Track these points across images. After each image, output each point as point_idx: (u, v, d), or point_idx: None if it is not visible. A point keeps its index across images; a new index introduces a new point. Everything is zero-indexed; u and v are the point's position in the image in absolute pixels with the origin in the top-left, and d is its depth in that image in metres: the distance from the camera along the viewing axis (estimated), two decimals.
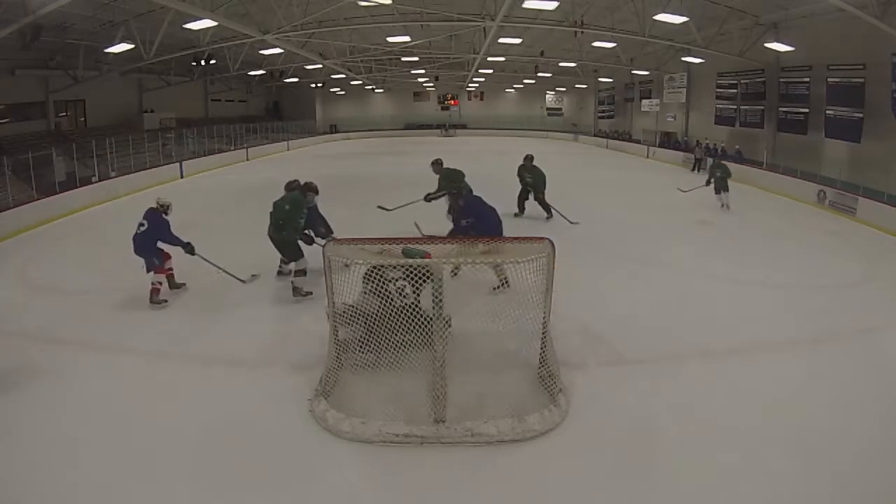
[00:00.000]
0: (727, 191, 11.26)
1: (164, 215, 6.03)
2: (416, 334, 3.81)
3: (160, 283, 5.97)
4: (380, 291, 4.02)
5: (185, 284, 6.31)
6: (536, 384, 4.01)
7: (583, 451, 3.45)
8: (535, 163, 9.82)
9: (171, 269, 6.23)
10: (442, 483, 3.20)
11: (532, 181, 9.76)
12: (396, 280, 4.10)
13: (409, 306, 3.94)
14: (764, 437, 3.57)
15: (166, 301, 5.90)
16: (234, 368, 4.53)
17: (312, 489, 3.16)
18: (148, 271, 5.92)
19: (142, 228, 5.87)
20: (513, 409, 3.65)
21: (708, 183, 11.55)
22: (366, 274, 4.07)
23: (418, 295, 4.07)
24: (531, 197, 9.89)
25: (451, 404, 3.63)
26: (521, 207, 10.02)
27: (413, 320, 3.81)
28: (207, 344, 4.96)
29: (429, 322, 3.81)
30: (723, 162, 12.14)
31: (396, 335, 3.86)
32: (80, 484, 3.16)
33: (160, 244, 5.98)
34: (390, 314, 3.86)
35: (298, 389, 4.07)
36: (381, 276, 4.08)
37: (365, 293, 4.11)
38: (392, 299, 4.02)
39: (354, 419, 3.60)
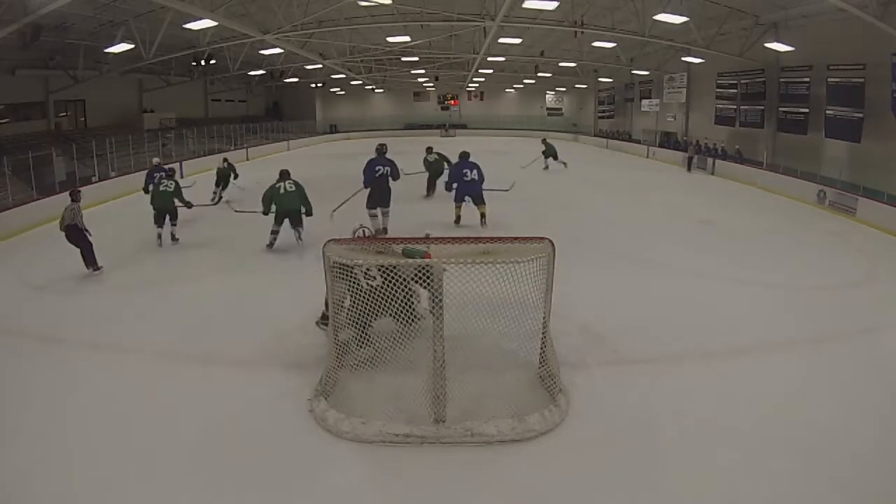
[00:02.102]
0: (555, 159, 16.80)
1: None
2: (398, 320, 3.87)
3: None
4: (344, 276, 3.99)
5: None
6: (536, 384, 4.01)
7: (583, 451, 3.45)
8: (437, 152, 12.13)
9: None
10: (442, 483, 3.20)
11: (429, 171, 11.93)
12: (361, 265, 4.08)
13: (378, 287, 3.93)
14: (764, 437, 3.57)
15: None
16: (234, 368, 4.53)
17: (312, 489, 3.16)
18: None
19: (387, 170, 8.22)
20: (513, 409, 3.65)
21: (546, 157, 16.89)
22: (329, 267, 3.98)
23: (390, 281, 3.93)
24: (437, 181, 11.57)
25: (452, 404, 3.63)
26: (430, 189, 11.81)
27: (387, 301, 3.81)
28: (207, 344, 4.96)
29: (405, 304, 3.87)
30: (547, 141, 17.71)
31: (375, 319, 3.90)
32: (79, 484, 3.16)
33: None
34: (361, 297, 3.91)
35: (298, 389, 4.06)
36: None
37: (330, 283, 4.03)
38: (358, 282, 4.05)
39: (354, 419, 3.60)
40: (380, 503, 3.09)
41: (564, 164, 16.83)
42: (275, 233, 7.86)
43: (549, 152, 16.94)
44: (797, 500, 3.05)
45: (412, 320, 4.04)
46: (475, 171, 8.62)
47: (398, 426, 3.54)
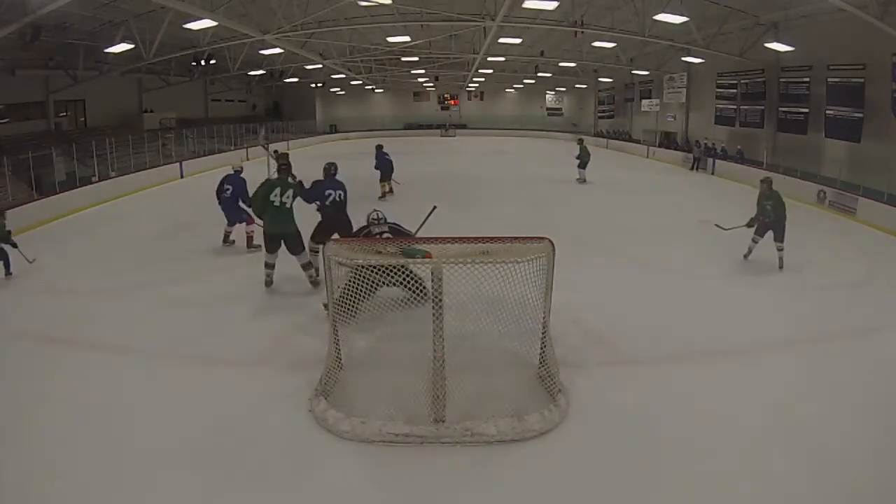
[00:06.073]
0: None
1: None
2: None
3: (252, 232, 7.58)
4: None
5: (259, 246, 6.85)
6: (536, 384, 4.01)
7: (583, 451, 3.45)
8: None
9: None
10: (442, 483, 3.20)
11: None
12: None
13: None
14: (764, 437, 3.57)
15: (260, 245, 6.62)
16: (235, 368, 4.53)
17: (312, 489, 3.16)
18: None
19: (227, 192, 7.59)
20: (512, 409, 3.65)
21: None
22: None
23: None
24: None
25: (451, 404, 3.63)
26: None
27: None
28: (207, 344, 4.96)
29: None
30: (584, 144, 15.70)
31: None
32: (79, 484, 3.16)
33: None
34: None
35: (298, 389, 4.06)
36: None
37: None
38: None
39: (354, 419, 3.60)
40: (379, 503, 3.09)
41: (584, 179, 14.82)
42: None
43: (583, 160, 14.72)
44: (797, 500, 3.05)
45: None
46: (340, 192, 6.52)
47: (398, 426, 3.54)
